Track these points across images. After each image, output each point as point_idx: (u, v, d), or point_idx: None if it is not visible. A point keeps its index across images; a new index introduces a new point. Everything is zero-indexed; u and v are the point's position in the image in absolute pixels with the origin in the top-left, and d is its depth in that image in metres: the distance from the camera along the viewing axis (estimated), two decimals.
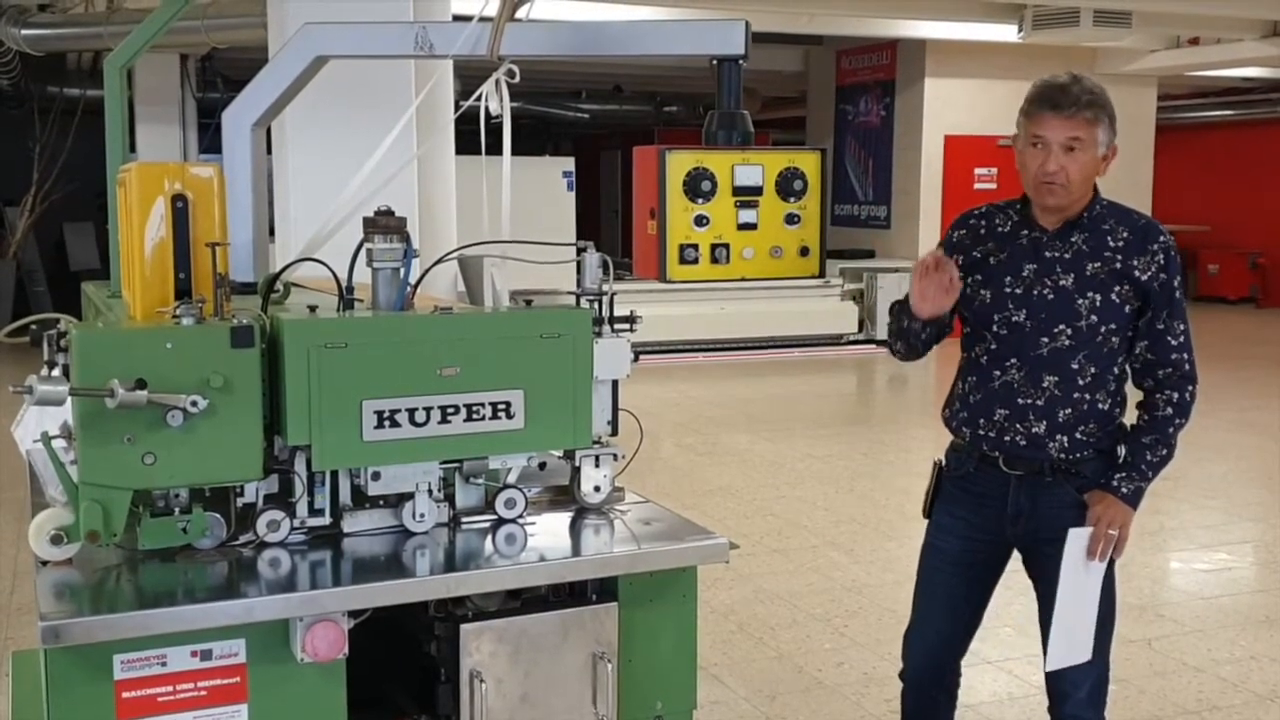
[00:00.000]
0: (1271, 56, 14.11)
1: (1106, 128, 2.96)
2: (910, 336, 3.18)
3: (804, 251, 3.01)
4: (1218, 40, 14.16)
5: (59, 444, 2.41)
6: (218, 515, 2.48)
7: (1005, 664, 4.79)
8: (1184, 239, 19.53)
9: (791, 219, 2.96)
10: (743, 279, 2.98)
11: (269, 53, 5.72)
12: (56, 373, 2.38)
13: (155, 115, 13.60)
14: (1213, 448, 8.89)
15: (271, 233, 3.71)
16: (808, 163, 2.96)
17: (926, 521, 3.31)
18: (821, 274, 3.07)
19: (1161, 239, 3.03)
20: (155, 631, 2.22)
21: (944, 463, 3.28)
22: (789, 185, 2.93)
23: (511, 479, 2.72)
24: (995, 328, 3.09)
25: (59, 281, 15.28)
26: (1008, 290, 3.08)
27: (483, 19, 3.02)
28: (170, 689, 2.26)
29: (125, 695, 2.23)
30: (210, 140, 13.89)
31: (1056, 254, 3.04)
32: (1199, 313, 18.67)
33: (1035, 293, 3.04)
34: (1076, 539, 3.01)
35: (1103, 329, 3.01)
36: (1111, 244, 3.02)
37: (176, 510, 2.42)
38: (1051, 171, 2.94)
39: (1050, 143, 2.94)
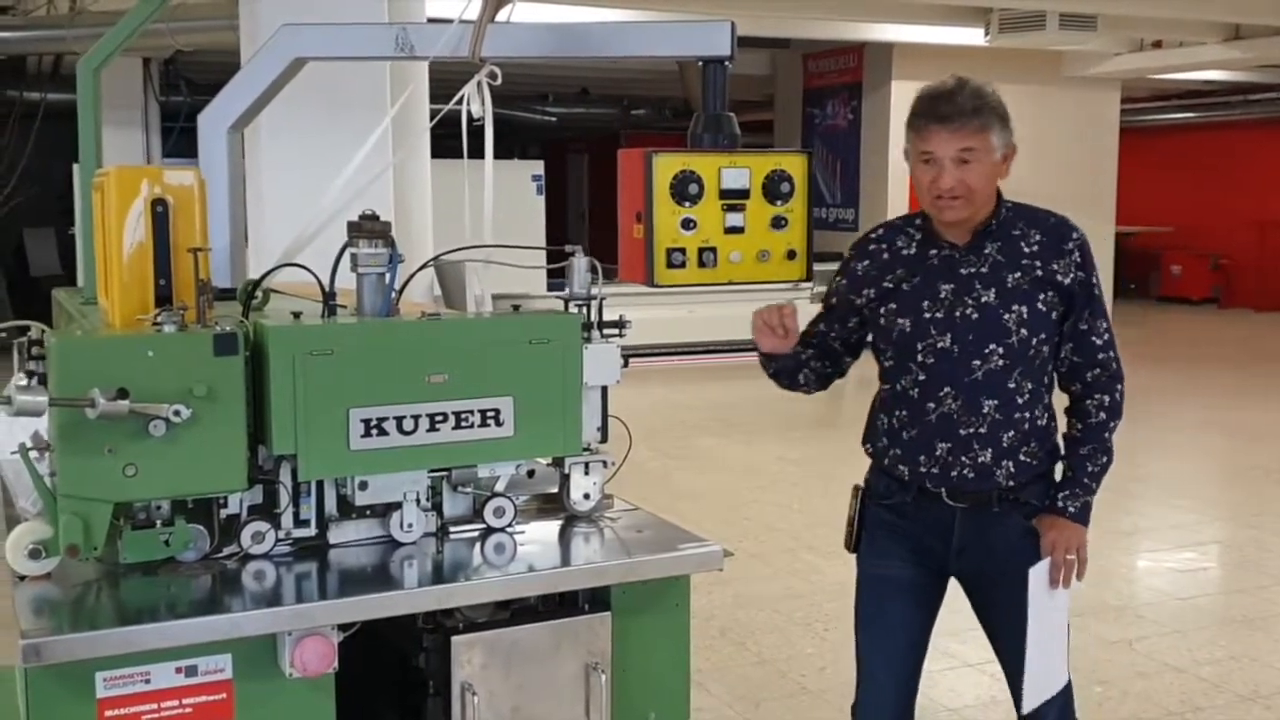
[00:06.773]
0: (1232, 59, 14.22)
1: (999, 131, 2.76)
2: (764, 365, 3.14)
3: (791, 255, 2.97)
4: (1180, 43, 14.26)
5: (32, 455, 2.35)
6: (201, 527, 2.42)
7: (986, 666, 4.76)
8: (1147, 240, 19.73)
9: (778, 222, 2.91)
10: (730, 283, 2.94)
11: (241, 56, 5.64)
12: (35, 382, 2.32)
13: (118, 119, 13.37)
14: (1180, 447, 8.95)
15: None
16: (794, 165, 2.90)
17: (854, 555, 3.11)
18: (808, 277, 3.03)
19: (1075, 236, 2.88)
20: (138, 648, 2.16)
21: (867, 488, 3.11)
22: (775, 188, 2.88)
23: (500, 487, 2.68)
24: (920, 357, 2.88)
25: (20, 287, 15.06)
26: (927, 316, 2.86)
27: (463, 21, 2.97)
28: (155, 707, 2.21)
29: (108, 714, 2.17)
30: (174, 144, 13.74)
31: (973, 269, 2.85)
32: (1162, 313, 18.84)
33: (958, 314, 2.84)
34: (1038, 576, 2.84)
35: (1034, 341, 2.84)
36: (1026, 250, 2.85)
37: (158, 522, 2.36)
38: (947, 188, 2.75)
39: (941, 158, 2.74)
